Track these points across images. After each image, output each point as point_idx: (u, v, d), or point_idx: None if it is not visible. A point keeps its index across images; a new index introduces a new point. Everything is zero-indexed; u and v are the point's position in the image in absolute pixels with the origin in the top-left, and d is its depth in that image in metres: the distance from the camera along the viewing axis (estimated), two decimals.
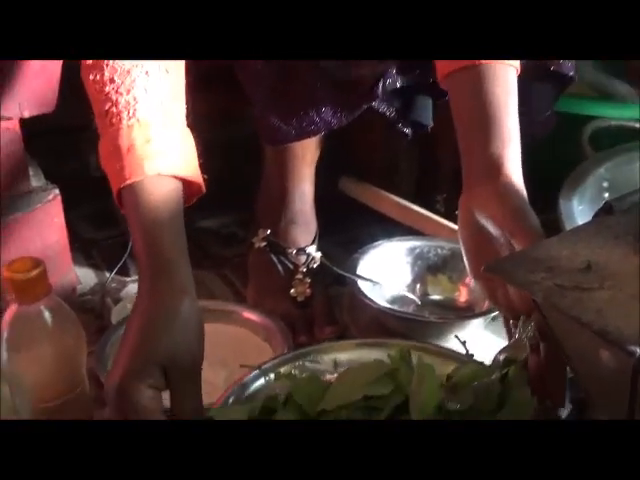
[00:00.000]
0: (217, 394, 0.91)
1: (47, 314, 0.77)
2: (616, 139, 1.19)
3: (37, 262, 0.77)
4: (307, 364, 0.81)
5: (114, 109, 0.76)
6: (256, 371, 0.80)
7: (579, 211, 1.05)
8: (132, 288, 1.18)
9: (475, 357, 0.88)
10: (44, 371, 0.78)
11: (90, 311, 1.14)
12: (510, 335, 0.83)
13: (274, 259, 1.08)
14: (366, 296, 0.96)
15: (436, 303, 1.02)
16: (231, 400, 0.77)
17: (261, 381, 0.79)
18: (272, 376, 0.79)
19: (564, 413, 0.90)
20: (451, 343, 0.93)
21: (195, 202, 0.83)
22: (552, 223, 0.97)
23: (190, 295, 0.73)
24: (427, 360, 0.76)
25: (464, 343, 0.78)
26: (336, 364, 0.81)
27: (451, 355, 0.80)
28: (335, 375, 0.79)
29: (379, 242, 1.04)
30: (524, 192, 0.78)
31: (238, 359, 0.97)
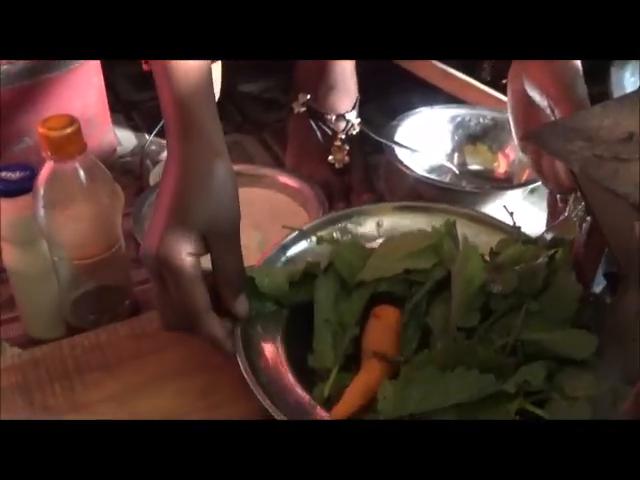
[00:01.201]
0: (251, 258, 0.91)
1: (82, 172, 0.77)
2: None
3: (72, 120, 0.76)
4: (349, 226, 0.80)
5: None
6: (297, 233, 0.79)
7: (631, 82, 1.02)
8: None
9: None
10: (79, 229, 0.79)
11: (129, 173, 1.15)
12: (551, 209, 0.81)
13: (313, 125, 1.07)
14: (403, 164, 0.94)
15: (474, 173, 1.00)
16: (272, 260, 0.77)
17: (302, 244, 0.79)
18: (313, 239, 0.78)
19: (598, 288, 0.90)
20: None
21: (237, 66, 0.81)
22: (602, 95, 0.94)
23: (223, 156, 0.71)
24: (472, 229, 0.74)
25: (512, 214, 0.75)
26: (379, 227, 0.79)
27: (497, 225, 0.78)
28: (378, 241, 0.78)
29: (419, 109, 1.01)
30: (577, 62, 0.76)
31: (273, 223, 0.98)
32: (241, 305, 0.72)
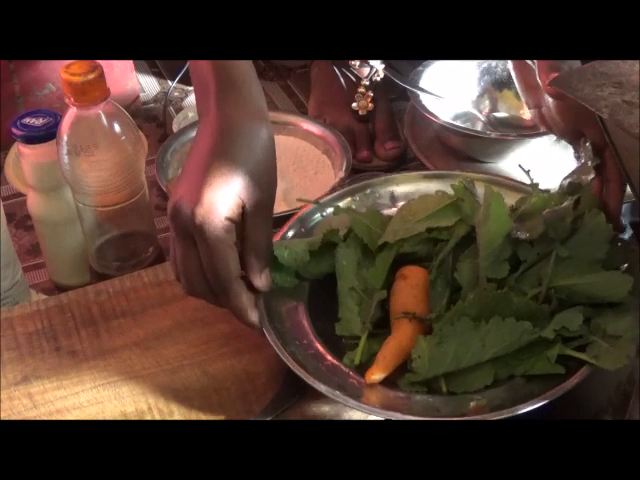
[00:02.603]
0: (276, 206, 0.91)
1: (105, 119, 0.77)
2: None
3: (94, 65, 0.76)
4: (364, 198, 0.79)
5: None
6: (314, 205, 0.78)
7: None
8: (194, 97, 1.17)
9: (540, 179, 0.86)
10: (103, 175, 0.79)
11: (153, 119, 1.15)
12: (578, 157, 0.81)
13: (336, 71, 1.05)
14: (428, 111, 0.93)
15: (501, 120, 0.98)
16: (290, 234, 0.76)
17: (318, 216, 0.78)
18: (330, 210, 0.78)
19: (626, 235, 0.89)
20: (513, 162, 0.92)
21: None
22: None
23: (267, 122, 0.68)
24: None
25: (528, 172, 0.74)
26: (394, 197, 0.79)
27: (516, 186, 0.77)
28: (394, 209, 0.77)
29: None
30: None
31: (297, 171, 0.98)
32: (265, 279, 0.70)
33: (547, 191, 0.73)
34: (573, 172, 0.73)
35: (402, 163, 1.03)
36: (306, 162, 0.98)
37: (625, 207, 0.86)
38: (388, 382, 0.66)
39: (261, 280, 0.69)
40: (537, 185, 0.74)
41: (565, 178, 0.73)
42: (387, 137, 1.03)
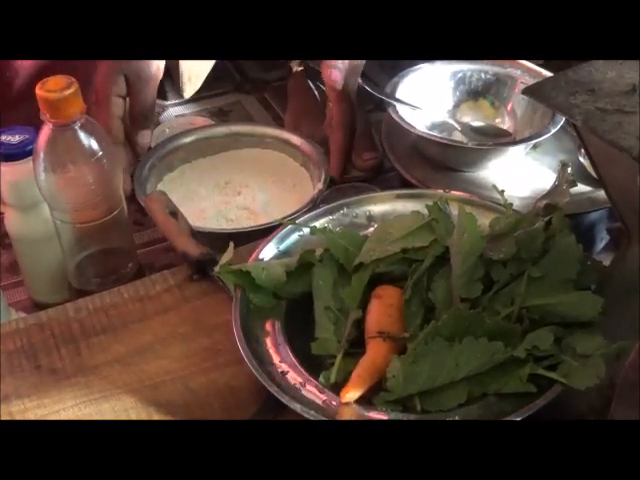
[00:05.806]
0: (256, 219, 0.92)
1: (82, 135, 0.77)
2: None
3: (70, 81, 0.76)
4: (340, 217, 0.80)
5: None
6: (290, 226, 0.78)
7: None
8: (171, 112, 1.18)
9: (515, 187, 0.87)
10: (81, 192, 0.78)
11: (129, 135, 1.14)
12: None
13: (311, 84, 1.06)
14: (405, 121, 0.93)
15: (477, 130, 0.99)
16: (267, 253, 0.77)
17: (295, 236, 0.78)
18: (306, 230, 0.78)
19: (602, 244, 0.90)
20: (490, 171, 0.92)
21: None
22: None
23: None
24: (466, 210, 0.74)
25: (502, 192, 0.75)
26: (370, 217, 0.79)
27: (490, 206, 0.78)
28: (370, 229, 0.78)
29: (420, 65, 1.00)
30: None
31: (275, 184, 0.98)
32: (145, 137, 0.94)
33: (520, 213, 0.74)
34: (548, 194, 0.74)
35: (380, 174, 1.04)
36: (284, 174, 0.98)
37: (602, 213, 0.87)
38: (363, 400, 0.66)
39: (141, 137, 0.95)
40: (511, 205, 0.75)
41: (540, 199, 0.74)
42: (364, 148, 1.04)
